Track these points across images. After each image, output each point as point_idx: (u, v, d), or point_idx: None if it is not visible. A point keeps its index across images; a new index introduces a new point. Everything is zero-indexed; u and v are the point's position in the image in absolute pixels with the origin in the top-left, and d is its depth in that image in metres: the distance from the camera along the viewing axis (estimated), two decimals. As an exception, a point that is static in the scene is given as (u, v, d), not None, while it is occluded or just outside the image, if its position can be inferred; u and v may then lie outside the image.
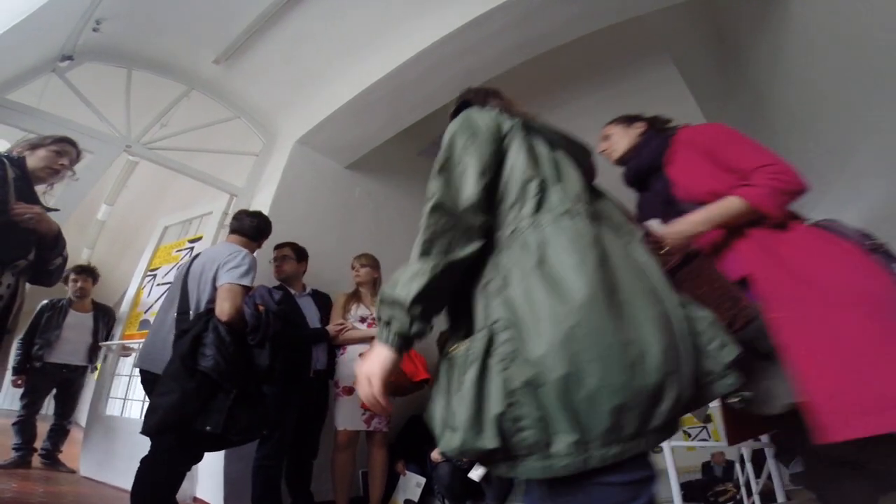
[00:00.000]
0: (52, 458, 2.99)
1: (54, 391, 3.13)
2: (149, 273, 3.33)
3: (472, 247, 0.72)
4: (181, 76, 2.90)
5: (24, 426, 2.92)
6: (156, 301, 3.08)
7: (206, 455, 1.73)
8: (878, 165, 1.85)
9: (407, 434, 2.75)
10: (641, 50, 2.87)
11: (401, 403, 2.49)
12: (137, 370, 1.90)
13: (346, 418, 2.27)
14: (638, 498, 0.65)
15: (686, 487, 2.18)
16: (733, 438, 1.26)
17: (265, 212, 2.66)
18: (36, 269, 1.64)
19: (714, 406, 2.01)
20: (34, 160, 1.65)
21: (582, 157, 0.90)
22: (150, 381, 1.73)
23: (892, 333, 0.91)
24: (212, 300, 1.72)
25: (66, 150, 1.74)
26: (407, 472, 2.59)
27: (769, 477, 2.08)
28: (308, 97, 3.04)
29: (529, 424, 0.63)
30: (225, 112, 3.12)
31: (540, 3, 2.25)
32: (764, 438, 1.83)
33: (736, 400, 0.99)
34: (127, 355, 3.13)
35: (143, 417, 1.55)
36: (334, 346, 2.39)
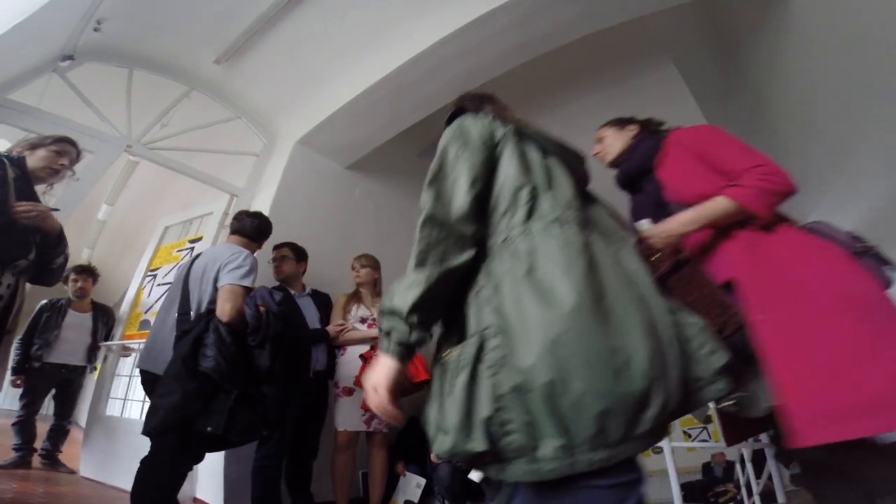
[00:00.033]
0: (52, 459, 2.99)
1: (53, 391, 3.13)
2: (149, 273, 3.33)
3: (466, 255, 0.74)
4: (182, 76, 2.91)
5: (24, 426, 2.92)
6: (156, 301, 3.07)
7: (206, 455, 1.73)
8: (879, 165, 1.86)
9: (407, 435, 2.75)
10: (642, 50, 2.87)
11: (401, 404, 2.48)
12: (138, 370, 1.90)
13: (346, 419, 2.27)
14: (626, 500, 0.66)
15: (686, 488, 2.18)
16: (731, 439, 1.27)
17: (265, 212, 2.66)
18: (37, 268, 1.64)
19: (713, 407, 2.01)
20: (34, 160, 1.65)
21: (575, 164, 0.91)
22: (150, 382, 1.73)
23: (870, 339, 0.91)
24: (213, 301, 1.72)
25: (66, 150, 1.74)
26: (407, 473, 2.59)
27: (769, 477, 2.07)
28: (308, 97, 3.04)
29: (516, 428, 0.64)
30: (225, 112, 3.12)
31: (541, 3, 2.25)
32: (764, 439, 1.83)
33: (728, 404, 1.00)
34: (127, 355, 3.13)
35: (143, 418, 1.56)
36: (334, 347, 2.39)
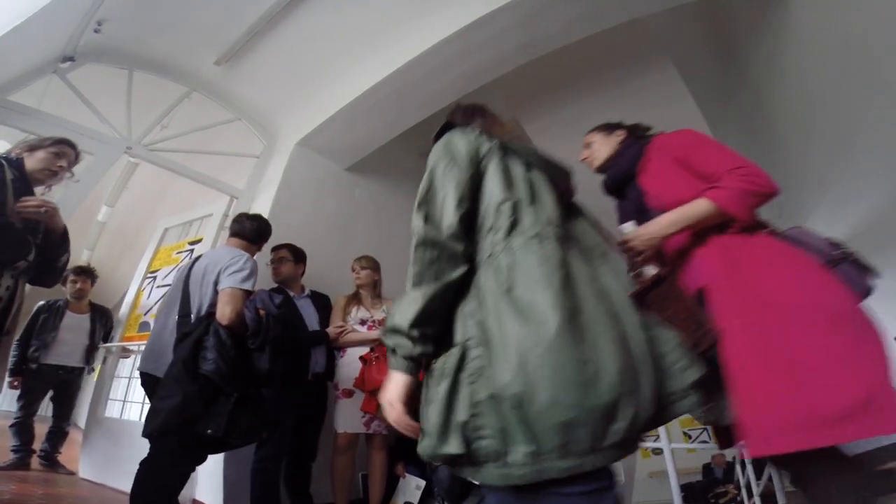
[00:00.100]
0: (50, 460, 2.98)
1: (52, 393, 3.12)
2: (149, 275, 3.32)
3: (459, 271, 0.78)
4: (182, 77, 2.91)
5: (22, 428, 2.91)
6: (156, 303, 3.07)
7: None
8: (879, 165, 1.86)
9: (407, 437, 2.74)
10: (642, 51, 2.87)
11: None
12: (137, 372, 1.90)
13: (346, 421, 2.27)
14: None
15: (686, 489, 2.17)
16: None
17: (265, 213, 2.67)
18: (39, 268, 1.64)
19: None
20: (32, 162, 1.65)
21: (559, 178, 0.94)
22: (151, 384, 1.73)
23: (832, 352, 0.90)
24: (213, 304, 1.72)
25: (64, 152, 1.73)
26: (406, 475, 2.58)
27: (770, 479, 2.07)
28: (309, 98, 3.04)
29: (490, 434, 0.69)
30: (226, 114, 3.13)
31: (542, 4, 2.25)
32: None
33: (703, 415, 1.00)
34: (126, 357, 3.12)
35: (143, 420, 1.56)
36: (334, 349, 2.38)
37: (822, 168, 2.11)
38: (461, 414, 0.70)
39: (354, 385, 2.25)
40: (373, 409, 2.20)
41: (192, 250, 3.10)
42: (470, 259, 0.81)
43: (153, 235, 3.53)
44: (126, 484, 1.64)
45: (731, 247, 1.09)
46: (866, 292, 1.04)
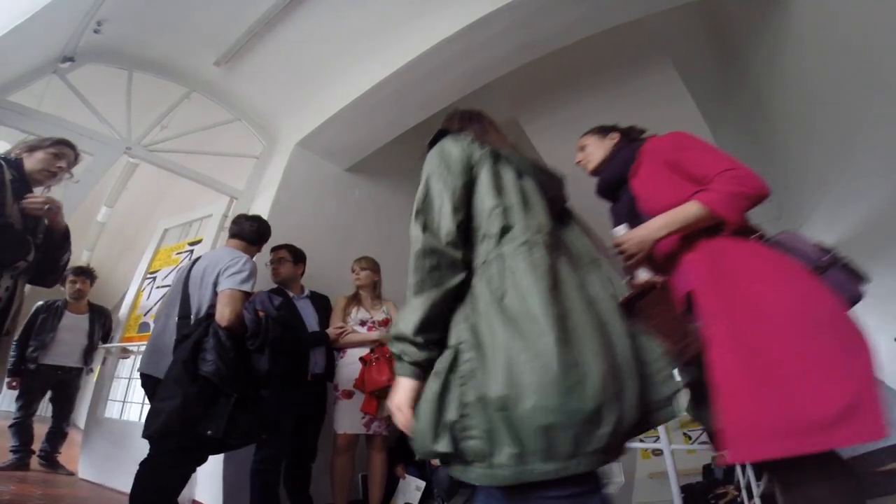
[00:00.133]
0: (50, 461, 2.98)
1: (51, 394, 3.11)
2: (148, 275, 3.32)
3: (459, 277, 0.81)
4: (182, 78, 2.91)
5: (21, 428, 2.91)
6: (155, 303, 3.07)
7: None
8: (879, 165, 1.86)
9: (406, 437, 2.74)
10: (642, 51, 2.87)
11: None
12: (137, 373, 1.89)
13: (346, 422, 2.26)
14: None
15: (686, 490, 2.17)
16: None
17: (265, 214, 2.67)
18: (40, 267, 1.64)
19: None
20: (32, 162, 1.64)
21: (550, 185, 0.95)
22: (151, 385, 1.73)
23: (816, 359, 0.90)
24: (212, 305, 1.72)
25: (63, 153, 1.73)
26: (406, 476, 2.58)
27: (770, 479, 2.07)
28: (309, 99, 3.04)
29: (477, 434, 0.71)
30: (225, 114, 3.13)
31: (543, 4, 2.25)
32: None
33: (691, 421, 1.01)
34: (126, 357, 3.12)
35: (142, 420, 1.55)
36: (334, 350, 2.38)
37: (822, 168, 2.11)
38: (451, 414, 0.72)
39: (354, 386, 2.25)
40: (373, 410, 2.20)
41: (191, 251, 3.10)
42: (468, 265, 0.83)
43: (153, 236, 3.53)
44: (125, 484, 1.64)
45: (718, 252, 1.09)
46: (856, 298, 1.03)
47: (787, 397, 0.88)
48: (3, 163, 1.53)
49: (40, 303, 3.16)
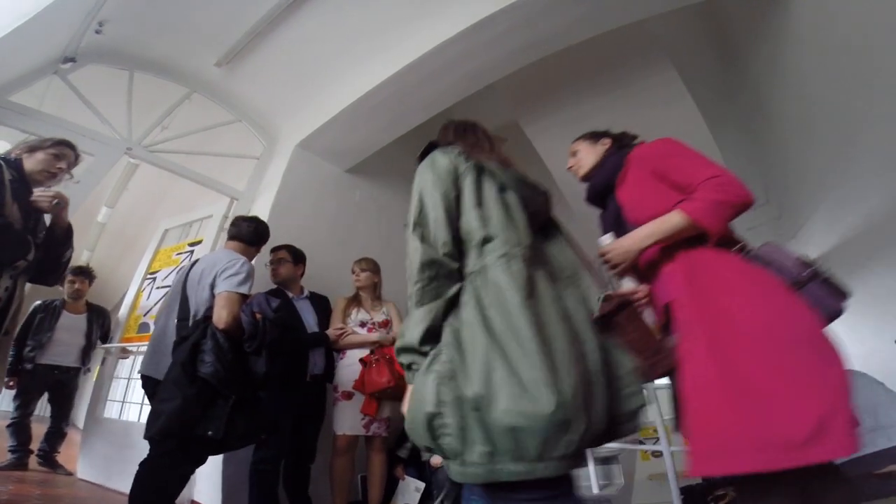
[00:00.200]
0: (49, 460, 2.97)
1: (48, 393, 3.10)
2: (148, 276, 3.32)
3: (456, 287, 0.85)
4: (182, 79, 2.91)
5: (18, 428, 2.90)
6: (155, 304, 3.07)
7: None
8: (879, 166, 1.86)
9: (406, 438, 2.73)
10: (642, 52, 2.88)
11: (399, 408, 2.48)
12: (136, 373, 1.90)
13: (346, 423, 2.26)
14: None
15: (686, 492, 2.16)
16: None
17: (266, 215, 2.67)
18: (42, 265, 1.65)
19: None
20: (32, 163, 1.65)
21: (533, 199, 0.98)
22: (151, 387, 1.73)
23: (786, 377, 0.90)
24: (210, 307, 1.72)
25: (64, 154, 1.74)
26: (406, 477, 2.57)
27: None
28: (309, 100, 3.05)
29: (451, 432, 0.75)
30: (226, 115, 3.13)
31: (544, 6, 2.25)
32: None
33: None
34: (126, 358, 3.12)
35: (141, 420, 1.55)
36: (334, 351, 2.38)
37: (822, 168, 2.11)
38: (428, 406, 0.76)
39: (354, 387, 2.24)
40: (372, 411, 2.20)
41: (192, 251, 3.10)
42: (461, 274, 0.87)
43: (153, 236, 3.53)
44: (124, 484, 1.64)
45: (697, 264, 1.09)
46: (835, 314, 1.03)
47: (760, 414, 0.88)
48: (2, 163, 1.53)
49: (38, 302, 3.15)
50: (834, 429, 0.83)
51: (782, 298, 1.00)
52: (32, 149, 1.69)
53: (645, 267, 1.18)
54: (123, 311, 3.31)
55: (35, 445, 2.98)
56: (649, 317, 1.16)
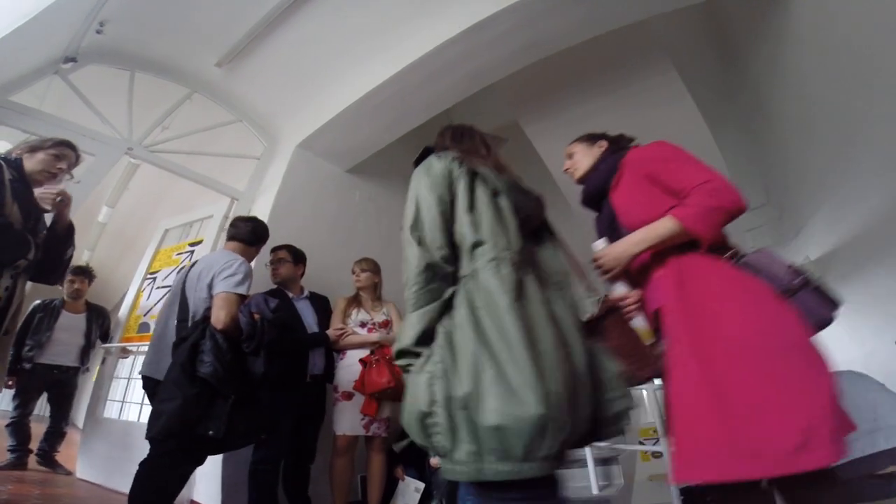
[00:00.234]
0: (48, 460, 2.97)
1: (47, 393, 3.09)
2: (149, 276, 3.32)
3: (451, 290, 0.87)
4: (183, 79, 2.91)
5: (17, 427, 2.90)
6: (155, 304, 3.07)
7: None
8: (879, 166, 1.85)
9: (405, 436, 2.73)
10: (643, 52, 2.88)
11: (399, 409, 2.48)
12: (136, 373, 1.90)
13: (346, 423, 2.26)
14: None
15: (686, 493, 2.16)
16: None
17: (266, 215, 2.67)
18: (44, 264, 1.65)
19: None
20: (32, 163, 1.65)
21: (525, 204, 1.00)
22: (151, 387, 1.74)
23: (770, 386, 0.90)
24: (209, 308, 1.73)
25: (64, 154, 1.74)
26: (406, 478, 2.57)
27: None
28: (310, 100, 3.05)
29: (441, 431, 0.77)
30: (227, 115, 3.13)
31: (546, 6, 2.26)
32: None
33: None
34: (126, 357, 3.12)
35: (140, 420, 1.55)
36: (334, 351, 2.38)
37: (823, 168, 2.11)
38: (421, 405, 0.79)
39: (354, 388, 2.24)
40: (372, 411, 2.19)
41: (192, 251, 3.10)
42: (456, 278, 0.89)
43: (153, 236, 3.53)
44: (124, 484, 1.64)
45: (687, 270, 1.08)
46: (824, 323, 1.03)
47: (742, 423, 0.88)
48: (2, 163, 1.53)
49: (37, 302, 3.14)
50: (817, 438, 0.84)
51: (770, 307, 1.00)
52: (33, 149, 1.69)
53: (637, 271, 1.19)
54: (123, 310, 3.31)
55: (34, 445, 2.98)
56: (641, 322, 1.17)
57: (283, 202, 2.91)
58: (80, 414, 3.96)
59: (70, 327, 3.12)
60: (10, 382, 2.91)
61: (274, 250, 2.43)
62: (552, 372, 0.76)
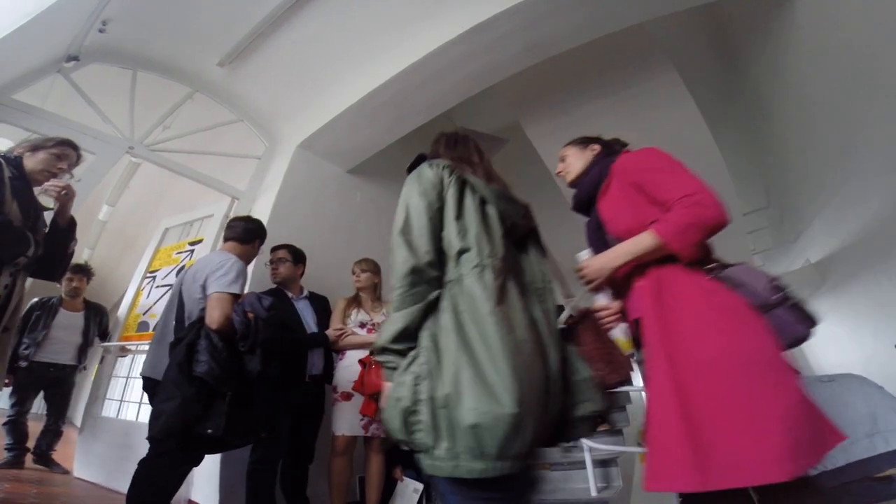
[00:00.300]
0: (45, 459, 2.96)
1: (44, 391, 3.08)
2: (148, 275, 3.32)
3: (435, 294, 0.91)
4: (185, 78, 2.92)
5: (14, 426, 2.89)
6: (155, 303, 3.07)
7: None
8: (880, 168, 1.85)
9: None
10: (644, 54, 2.89)
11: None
12: (135, 372, 1.90)
13: (344, 424, 2.25)
14: None
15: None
16: None
17: (266, 215, 2.68)
18: (44, 262, 1.66)
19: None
20: (33, 162, 1.65)
21: (511, 213, 1.03)
22: (151, 388, 1.75)
23: (735, 402, 0.91)
24: (204, 308, 1.74)
25: (66, 154, 1.74)
26: (404, 478, 2.56)
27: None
28: (311, 101, 3.05)
29: (423, 428, 0.81)
30: (228, 115, 3.14)
31: (547, 8, 2.26)
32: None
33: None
34: (124, 356, 3.11)
35: (138, 419, 1.55)
36: (333, 352, 2.37)
37: (823, 170, 2.11)
38: (405, 402, 0.83)
39: (353, 388, 2.24)
40: (371, 412, 2.19)
41: (192, 251, 3.10)
42: (441, 282, 0.92)
43: (154, 235, 3.53)
44: (121, 483, 1.64)
45: (664, 283, 1.09)
46: (799, 340, 1.02)
47: (709, 437, 0.89)
48: (2, 160, 1.53)
49: (35, 300, 3.13)
50: (776, 451, 0.85)
51: (742, 323, 1.00)
52: (35, 148, 1.69)
53: (621, 280, 1.20)
54: (123, 309, 3.31)
55: (31, 444, 2.97)
56: (622, 331, 1.22)
57: (283, 202, 2.92)
58: (77, 412, 3.96)
59: (68, 325, 3.11)
60: (7, 380, 2.90)
61: (274, 250, 2.43)
62: (528, 374, 0.81)
